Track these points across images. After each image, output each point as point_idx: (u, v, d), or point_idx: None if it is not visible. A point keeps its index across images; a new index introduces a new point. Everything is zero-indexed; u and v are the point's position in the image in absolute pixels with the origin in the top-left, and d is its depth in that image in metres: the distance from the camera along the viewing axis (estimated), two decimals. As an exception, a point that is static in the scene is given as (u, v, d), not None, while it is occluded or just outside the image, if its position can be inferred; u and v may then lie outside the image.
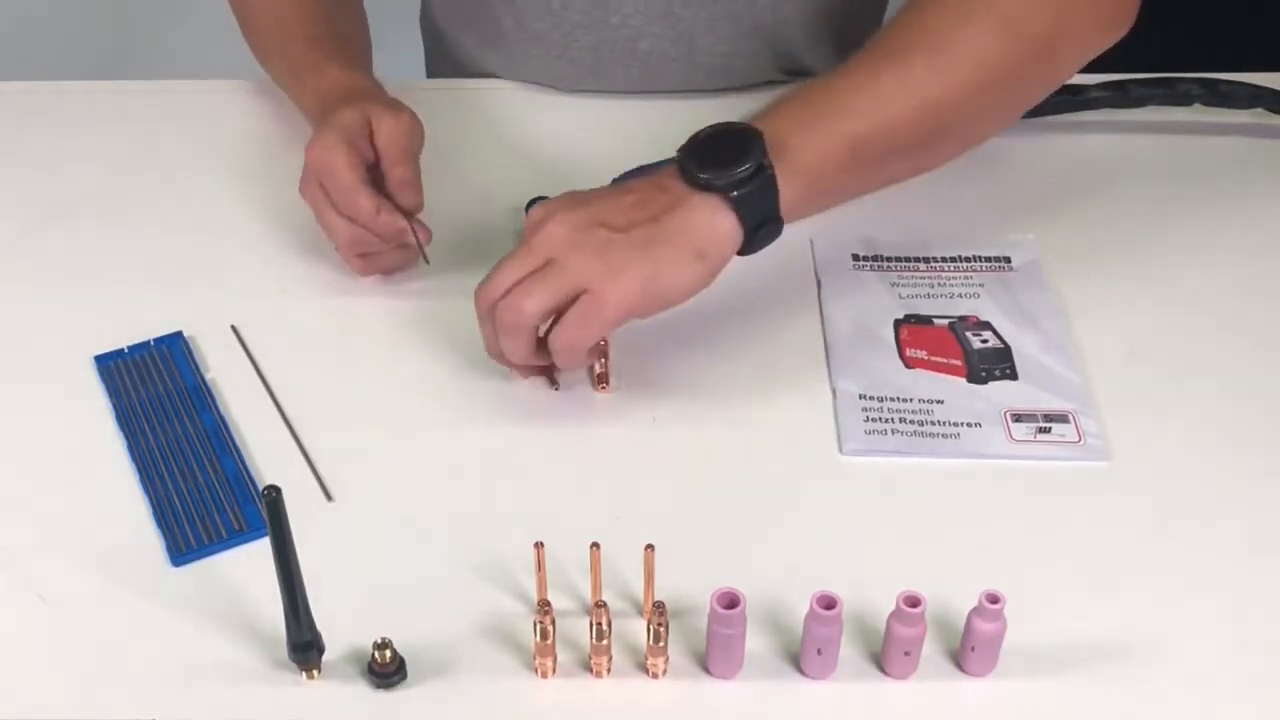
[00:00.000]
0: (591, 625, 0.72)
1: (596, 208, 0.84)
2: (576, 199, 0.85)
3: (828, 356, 0.92)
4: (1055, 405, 0.88)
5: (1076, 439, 0.86)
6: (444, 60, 1.23)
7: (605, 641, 0.73)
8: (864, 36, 1.08)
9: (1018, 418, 0.87)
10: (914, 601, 0.71)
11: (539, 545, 0.73)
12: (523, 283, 0.82)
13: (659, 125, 1.09)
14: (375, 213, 0.91)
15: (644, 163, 1.02)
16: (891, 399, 0.88)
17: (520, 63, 1.14)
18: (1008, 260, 0.98)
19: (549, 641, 0.73)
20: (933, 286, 0.96)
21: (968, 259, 0.99)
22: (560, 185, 1.01)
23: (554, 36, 1.11)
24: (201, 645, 0.76)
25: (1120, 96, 1.07)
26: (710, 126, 0.86)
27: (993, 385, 0.89)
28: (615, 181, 1.01)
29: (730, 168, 0.82)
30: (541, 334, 0.84)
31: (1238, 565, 0.80)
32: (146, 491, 0.83)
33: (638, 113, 1.11)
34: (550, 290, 0.81)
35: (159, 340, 0.93)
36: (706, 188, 0.83)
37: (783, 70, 1.13)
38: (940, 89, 0.87)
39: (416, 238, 0.93)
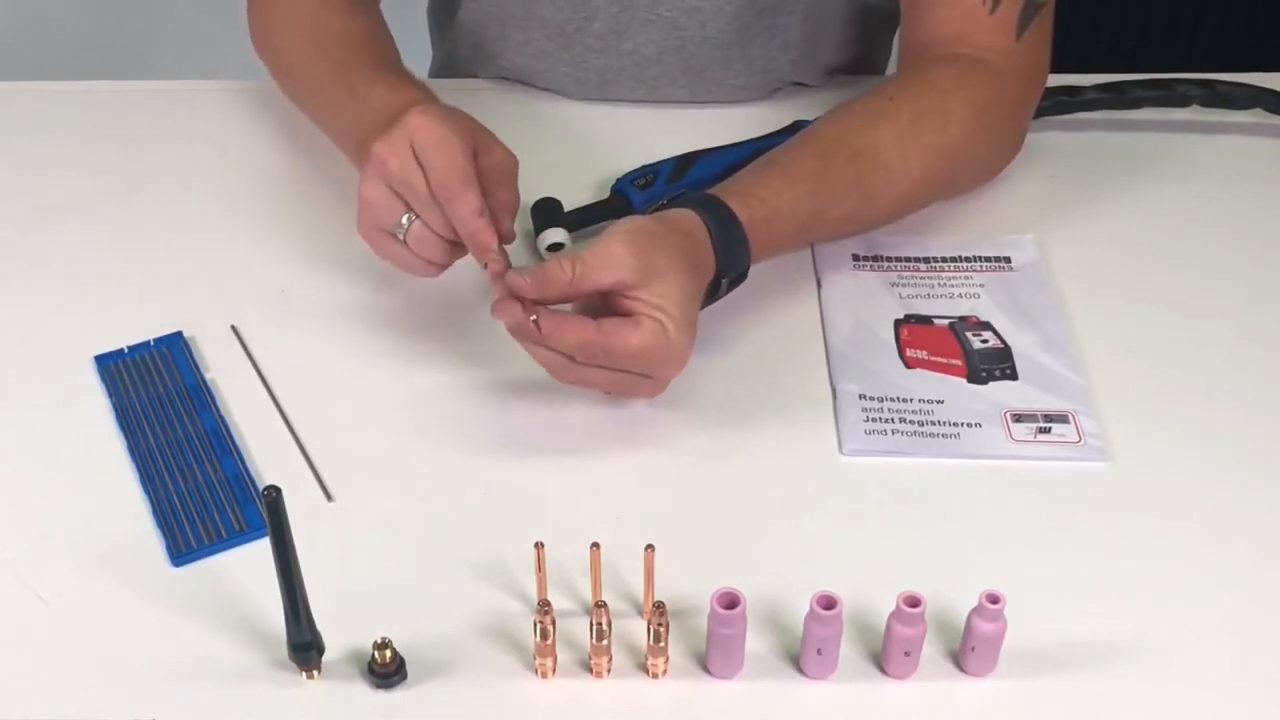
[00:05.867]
0: (591, 625, 0.72)
1: (695, 320, 0.83)
2: (691, 310, 0.82)
3: (828, 356, 0.92)
4: (1055, 405, 0.88)
5: (1076, 439, 0.86)
6: (444, 66, 1.22)
7: (605, 641, 0.73)
8: (863, 67, 1.18)
9: (1018, 418, 0.87)
10: (914, 601, 0.71)
11: (539, 545, 0.73)
12: (616, 378, 0.82)
13: (659, 128, 1.09)
14: (478, 213, 0.82)
15: (645, 164, 1.02)
16: (891, 399, 0.88)
17: (523, 77, 1.14)
18: (1008, 260, 0.98)
19: (549, 641, 0.73)
20: (933, 286, 0.96)
21: (968, 259, 0.99)
22: (563, 187, 1.02)
23: (563, 56, 1.10)
24: (201, 645, 0.76)
25: (1118, 98, 1.07)
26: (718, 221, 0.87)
27: (993, 385, 0.89)
28: (619, 184, 1.01)
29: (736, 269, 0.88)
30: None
31: (1238, 565, 0.80)
32: (146, 491, 0.83)
33: (640, 116, 1.11)
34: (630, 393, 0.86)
35: (159, 340, 0.93)
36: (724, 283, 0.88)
37: (776, 90, 1.14)
38: (892, 195, 0.96)
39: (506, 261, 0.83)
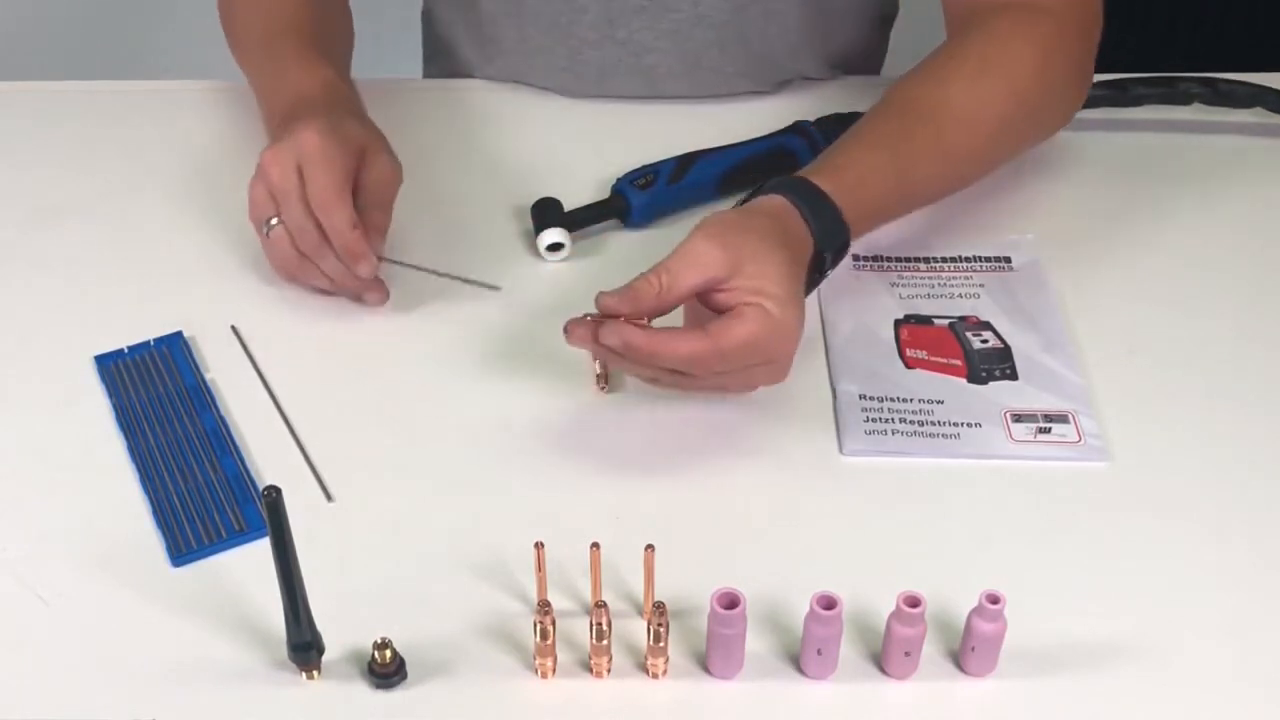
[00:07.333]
0: (591, 625, 0.72)
1: (799, 295, 0.82)
2: (790, 285, 0.81)
3: (828, 357, 0.92)
4: (1055, 405, 0.88)
5: (1076, 439, 0.86)
6: (442, 66, 1.23)
7: (605, 642, 0.73)
8: (860, 56, 1.18)
9: (1018, 418, 0.87)
10: (914, 601, 0.71)
11: (539, 545, 0.73)
12: (732, 378, 0.82)
13: (661, 127, 1.09)
14: (351, 226, 0.88)
15: (645, 164, 1.02)
16: (891, 399, 0.88)
17: (522, 74, 1.14)
18: (1008, 260, 0.98)
19: (549, 641, 0.73)
20: (933, 286, 0.96)
21: (968, 259, 0.99)
22: (563, 186, 1.02)
23: (559, 50, 1.10)
24: (201, 645, 0.76)
25: (1120, 95, 1.07)
26: (814, 193, 0.86)
27: (993, 385, 0.89)
28: (619, 184, 1.01)
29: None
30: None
31: (1237, 565, 0.80)
32: (146, 491, 0.83)
33: (640, 115, 1.11)
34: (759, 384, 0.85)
35: (159, 340, 0.93)
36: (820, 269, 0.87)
37: (777, 83, 1.13)
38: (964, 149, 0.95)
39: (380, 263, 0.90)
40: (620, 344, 0.78)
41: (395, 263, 0.93)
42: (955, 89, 0.93)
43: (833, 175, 0.87)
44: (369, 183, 0.91)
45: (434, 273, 0.93)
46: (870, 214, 0.89)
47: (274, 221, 0.90)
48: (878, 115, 0.93)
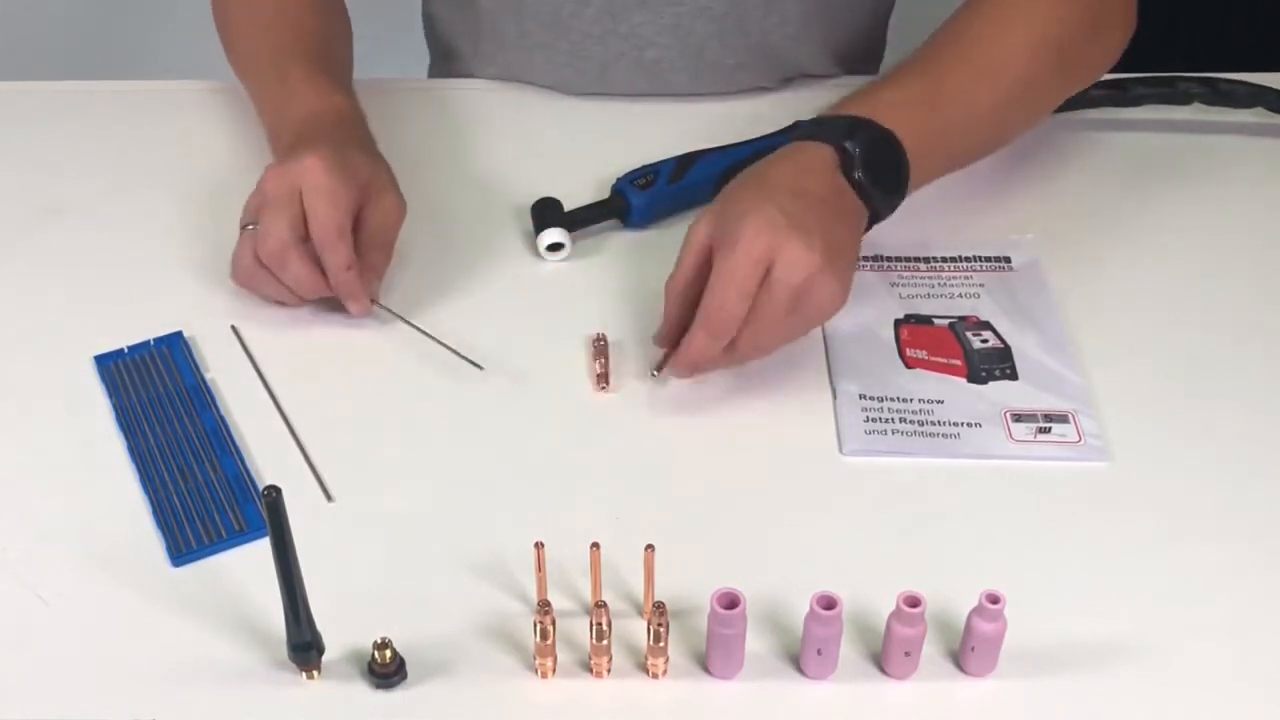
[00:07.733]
0: (591, 625, 0.72)
1: (767, 198, 0.83)
2: (751, 190, 0.84)
3: (828, 356, 0.92)
4: (1055, 405, 0.88)
5: (1076, 439, 0.86)
6: (443, 67, 1.23)
7: (605, 642, 0.73)
8: (860, 48, 1.18)
9: (1018, 418, 0.87)
10: (914, 601, 0.71)
11: (539, 545, 0.73)
12: (768, 313, 0.82)
13: (661, 127, 1.09)
14: (346, 267, 0.89)
15: (646, 163, 1.02)
16: (891, 399, 0.88)
17: (523, 71, 1.14)
18: (1008, 260, 0.98)
19: (549, 642, 0.73)
20: (933, 286, 0.96)
21: (968, 259, 0.99)
22: (563, 186, 1.02)
23: (561, 46, 1.10)
24: (201, 645, 0.76)
25: (1120, 95, 1.07)
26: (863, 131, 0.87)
27: (993, 385, 0.89)
28: (619, 184, 1.01)
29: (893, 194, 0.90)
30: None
31: (1238, 565, 0.80)
32: (146, 491, 0.83)
33: (640, 115, 1.11)
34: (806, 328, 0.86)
35: (159, 340, 0.93)
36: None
37: (781, 78, 1.14)
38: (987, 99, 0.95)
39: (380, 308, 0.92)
40: (687, 373, 0.86)
41: (389, 310, 0.92)
42: (979, 24, 0.95)
43: (853, 98, 0.90)
44: (372, 223, 0.91)
45: (425, 334, 0.91)
46: (901, 104, 0.89)
47: (251, 227, 0.90)
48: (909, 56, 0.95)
